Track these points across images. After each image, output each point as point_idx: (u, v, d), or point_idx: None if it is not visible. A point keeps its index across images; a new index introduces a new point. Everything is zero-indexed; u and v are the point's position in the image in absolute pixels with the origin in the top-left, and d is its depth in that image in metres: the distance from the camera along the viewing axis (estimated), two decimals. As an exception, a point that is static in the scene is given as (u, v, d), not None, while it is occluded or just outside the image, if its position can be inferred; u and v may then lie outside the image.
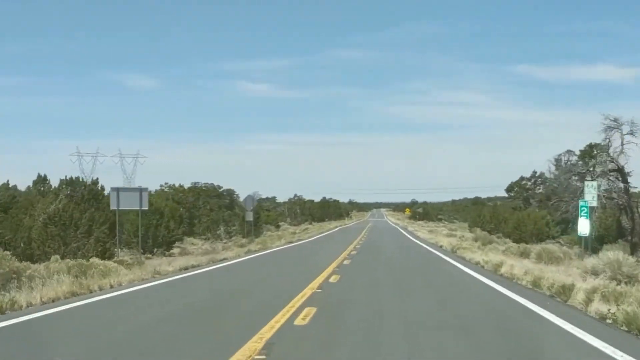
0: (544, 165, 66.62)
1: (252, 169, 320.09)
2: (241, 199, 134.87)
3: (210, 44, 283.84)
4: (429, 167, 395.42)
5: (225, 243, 53.13)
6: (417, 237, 50.60)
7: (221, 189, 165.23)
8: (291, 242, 42.88)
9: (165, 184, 66.05)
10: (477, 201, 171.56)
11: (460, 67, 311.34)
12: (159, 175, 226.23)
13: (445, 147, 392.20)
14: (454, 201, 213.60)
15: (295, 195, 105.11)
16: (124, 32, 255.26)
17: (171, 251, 41.12)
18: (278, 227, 79.48)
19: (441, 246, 35.31)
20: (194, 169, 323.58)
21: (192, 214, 63.92)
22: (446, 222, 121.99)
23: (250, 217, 47.56)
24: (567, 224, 55.99)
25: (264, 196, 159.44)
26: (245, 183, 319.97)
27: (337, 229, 77.69)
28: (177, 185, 69.85)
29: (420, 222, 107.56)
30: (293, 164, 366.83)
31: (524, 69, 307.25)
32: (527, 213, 46.72)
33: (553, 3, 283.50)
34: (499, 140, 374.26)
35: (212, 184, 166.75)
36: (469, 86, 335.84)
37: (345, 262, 22.97)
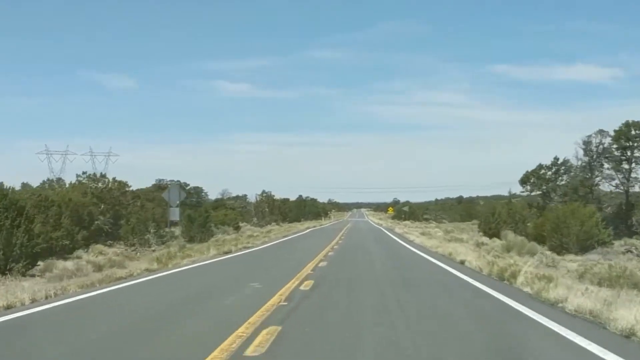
0: (568, 150, 51.78)
1: (230, 168, 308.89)
2: (210, 197, 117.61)
3: (190, 44, 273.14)
4: (409, 166, 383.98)
5: (153, 251, 38.30)
6: (412, 244, 35.82)
7: (188, 187, 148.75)
8: (228, 253, 27.89)
9: (83, 173, 50.48)
10: (467, 200, 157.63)
11: (440, 67, 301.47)
12: (133, 174, 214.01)
13: (425, 146, 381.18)
14: (437, 200, 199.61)
15: (264, 192, 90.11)
16: (103, 32, 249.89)
17: (38, 267, 26.05)
18: (237, 228, 64.55)
19: (462, 262, 20.52)
20: (170, 168, 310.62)
21: (117, 212, 48.65)
22: (434, 222, 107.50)
23: (175, 215, 32.45)
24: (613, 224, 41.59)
25: (234, 194, 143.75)
26: (223, 182, 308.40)
27: (308, 230, 62.75)
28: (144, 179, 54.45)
29: (406, 222, 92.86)
30: (272, 163, 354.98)
31: (503, 69, 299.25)
32: (570, 209, 32.10)
33: (532, 3, 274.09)
34: (478, 140, 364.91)
35: (178, 181, 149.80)
36: (448, 86, 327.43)
37: (270, 323, 8.07)
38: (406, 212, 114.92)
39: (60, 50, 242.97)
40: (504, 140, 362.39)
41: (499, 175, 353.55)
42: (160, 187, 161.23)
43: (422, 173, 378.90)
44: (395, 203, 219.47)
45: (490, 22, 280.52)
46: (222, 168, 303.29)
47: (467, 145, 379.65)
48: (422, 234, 56.03)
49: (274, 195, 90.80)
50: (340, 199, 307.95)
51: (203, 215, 51.01)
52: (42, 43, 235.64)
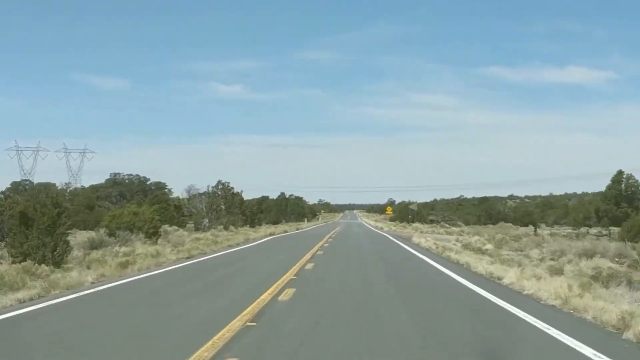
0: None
1: (221, 169, 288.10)
2: (175, 194, 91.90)
3: (181, 45, 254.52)
4: (403, 167, 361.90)
5: None
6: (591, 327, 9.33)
7: (149, 182, 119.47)
8: None
9: None
10: (484, 199, 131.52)
11: (431, 69, 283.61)
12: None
13: (419, 147, 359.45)
14: (435, 200, 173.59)
15: (220, 183, 63.43)
16: (94, 32, 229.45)
17: None
18: (153, 235, 38.45)
19: None
20: (159, 168, 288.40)
21: None
22: (447, 225, 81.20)
23: None
24: None
25: (202, 190, 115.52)
26: (210, 182, 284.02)
27: (263, 240, 36.35)
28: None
29: (415, 224, 66.36)
30: (263, 164, 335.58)
31: (495, 71, 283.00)
32: None
33: (524, 4, 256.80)
34: (470, 141, 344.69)
35: (137, 175, 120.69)
36: (440, 88, 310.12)
37: None
38: (414, 211, 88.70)
39: (54, 51, 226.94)
40: (497, 141, 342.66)
41: (492, 176, 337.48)
42: (115, 182, 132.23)
43: (415, 174, 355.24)
44: (391, 203, 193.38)
45: (484, 24, 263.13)
46: (213, 169, 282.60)
47: (460, 147, 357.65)
48: (464, 246, 30.26)
49: (232, 188, 64.29)
50: (332, 200, 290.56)
51: (50, 213, 24.10)
52: (34, 42, 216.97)
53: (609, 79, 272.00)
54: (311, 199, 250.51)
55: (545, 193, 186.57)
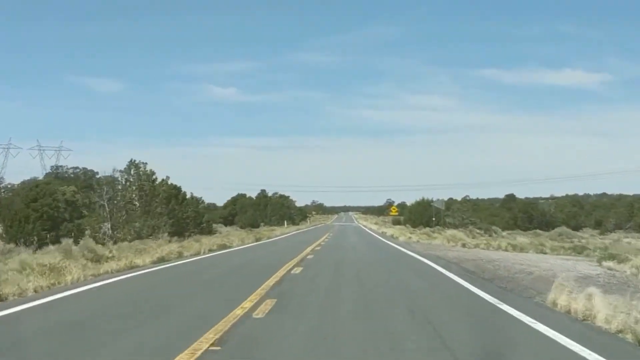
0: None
1: (215, 170, 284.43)
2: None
3: (175, 47, 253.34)
4: (400, 168, 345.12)
5: None
6: None
7: (97, 176, 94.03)
8: None
9: None
10: (510, 198, 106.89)
11: (427, 71, 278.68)
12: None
13: (414, 149, 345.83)
14: (436, 200, 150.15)
15: (132, 165, 38.64)
16: (88, 34, 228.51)
17: None
18: None
19: None
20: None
21: None
22: (479, 231, 56.42)
23: None
24: None
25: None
26: (206, 185, 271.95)
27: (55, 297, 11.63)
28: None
29: (450, 232, 41.39)
30: (257, 167, 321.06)
31: (491, 73, 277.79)
32: None
33: (519, 7, 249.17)
34: (466, 143, 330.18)
35: (83, 168, 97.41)
36: (436, 90, 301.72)
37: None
38: (440, 211, 64.01)
39: (49, 52, 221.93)
40: (491, 144, 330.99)
41: (488, 176, 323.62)
42: (57, 177, 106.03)
43: (413, 175, 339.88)
44: (390, 204, 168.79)
45: (480, 26, 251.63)
46: (209, 170, 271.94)
47: (457, 148, 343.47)
48: None
49: (154, 174, 39.40)
50: (327, 202, 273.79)
51: None
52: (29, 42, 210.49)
53: (604, 82, 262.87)
54: (306, 201, 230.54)
55: (545, 194, 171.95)
